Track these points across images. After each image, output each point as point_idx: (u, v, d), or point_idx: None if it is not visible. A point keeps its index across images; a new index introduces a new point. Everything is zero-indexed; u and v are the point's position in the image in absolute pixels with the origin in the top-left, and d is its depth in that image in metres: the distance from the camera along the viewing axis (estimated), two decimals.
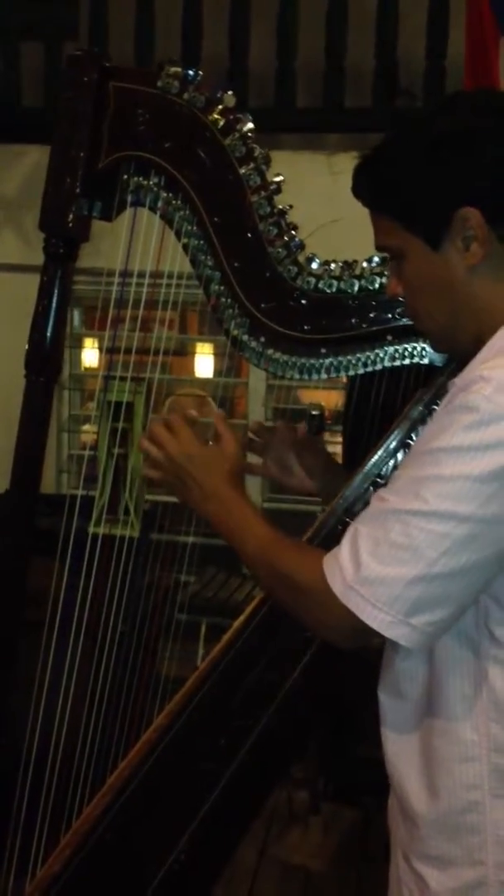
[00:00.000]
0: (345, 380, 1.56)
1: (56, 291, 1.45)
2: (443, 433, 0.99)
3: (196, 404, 3.70)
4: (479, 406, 0.97)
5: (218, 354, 3.92)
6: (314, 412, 1.64)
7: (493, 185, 1.05)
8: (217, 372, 3.98)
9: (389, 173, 1.10)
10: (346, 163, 1.13)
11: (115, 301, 1.52)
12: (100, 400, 2.01)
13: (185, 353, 4.00)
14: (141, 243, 1.47)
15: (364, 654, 1.64)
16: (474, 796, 1.07)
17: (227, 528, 1.20)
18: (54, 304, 1.45)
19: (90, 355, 3.80)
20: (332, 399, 3.29)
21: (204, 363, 4.07)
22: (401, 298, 1.16)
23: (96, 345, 3.71)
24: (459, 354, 1.08)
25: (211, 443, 1.27)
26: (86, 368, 3.81)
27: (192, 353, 4.06)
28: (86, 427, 3.73)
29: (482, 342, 1.07)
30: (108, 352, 1.63)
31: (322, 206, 2.39)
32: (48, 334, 1.46)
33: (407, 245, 1.10)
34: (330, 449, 1.69)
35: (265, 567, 1.15)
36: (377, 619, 1.01)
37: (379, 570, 1.00)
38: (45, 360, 1.48)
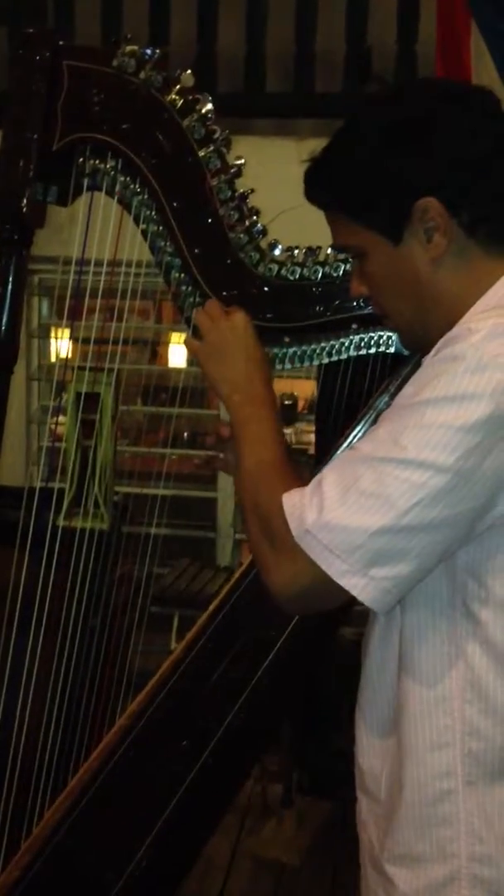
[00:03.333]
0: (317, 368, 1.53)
1: (11, 279, 1.41)
2: (427, 385, 0.95)
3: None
4: (467, 354, 0.94)
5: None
6: (287, 402, 1.60)
7: (448, 173, 1.02)
8: (191, 362, 3.93)
9: (341, 172, 1.07)
10: (317, 148, 1.10)
11: (72, 290, 1.47)
12: (64, 391, 1.97)
13: (157, 342, 3.95)
14: (101, 230, 1.43)
15: (338, 646, 1.63)
16: (446, 785, 1.04)
17: (243, 429, 1.13)
18: (9, 293, 1.41)
19: (59, 346, 3.74)
20: (305, 388, 3.26)
21: (179, 353, 4.02)
22: (365, 298, 1.13)
23: (64, 335, 3.66)
24: (429, 349, 1.05)
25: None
26: (55, 359, 3.76)
27: (167, 343, 4.02)
28: (52, 418, 3.67)
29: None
30: (77, 342, 1.59)
31: (291, 192, 2.31)
32: (3, 323, 1.41)
33: (367, 243, 1.07)
34: (304, 438, 1.66)
35: (251, 490, 1.08)
36: (333, 566, 0.96)
37: (344, 516, 0.96)
38: (2, 349, 1.43)
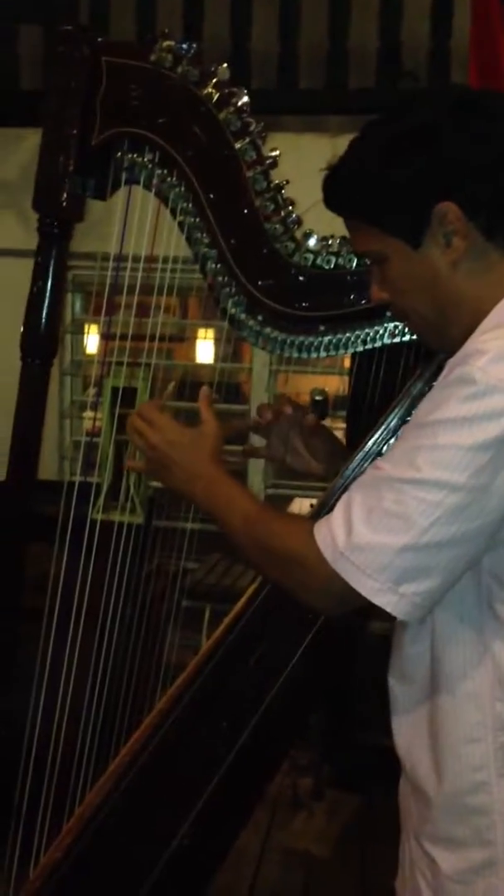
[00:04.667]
0: (347, 363, 1.54)
1: (51, 272, 1.43)
2: (439, 406, 0.99)
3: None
4: (475, 377, 0.97)
5: (220, 340, 3.90)
6: (318, 397, 1.62)
7: (464, 177, 1.04)
8: (219, 357, 3.96)
9: (359, 180, 1.09)
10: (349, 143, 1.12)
11: (110, 286, 1.49)
12: (101, 386, 2.00)
13: (186, 338, 3.98)
14: (138, 226, 1.45)
15: (368, 638, 1.64)
16: (481, 777, 1.07)
17: (214, 505, 1.19)
18: (49, 285, 1.43)
19: (92, 341, 3.78)
20: (335, 384, 3.27)
21: (206, 349, 4.04)
22: (386, 302, 1.15)
23: (97, 331, 3.70)
24: (453, 349, 1.07)
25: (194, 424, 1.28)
26: (87, 354, 3.80)
27: (194, 339, 4.04)
28: (86, 413, 3.71)
29: (473, 333, 1.06)
30: (104, 337, 1.61)
31: None
32: (43, 316, 1.44)
33: (387, 248, 1.09)
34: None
35: (252, 539, 1.15)
36: (367, 586, 1.01)
37: (370, 537, 1.00)
38: (41, 342, 1.46)
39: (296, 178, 1.40)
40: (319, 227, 1.41)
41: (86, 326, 3.79)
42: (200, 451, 1.24)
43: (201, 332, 3.90)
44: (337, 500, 1.07)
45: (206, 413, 1.28)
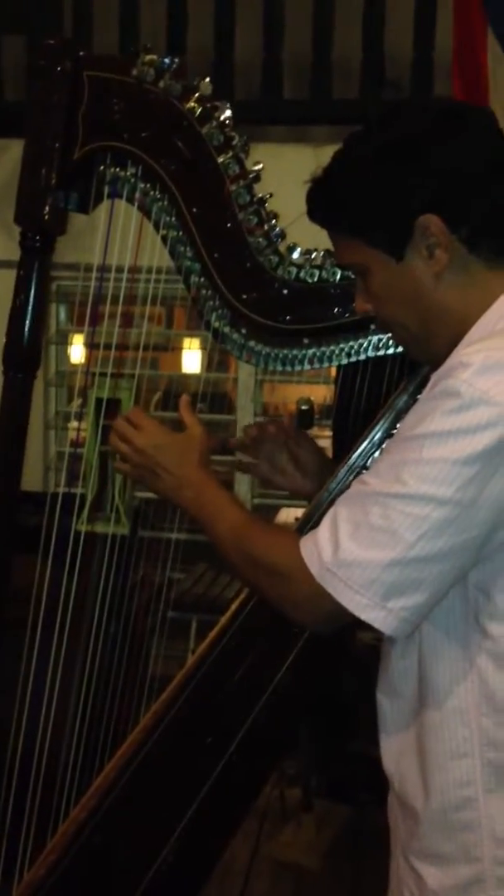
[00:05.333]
0: (333, 372, 1.55)
1: (33, 286, 1.43)
2: (425, 419, 0.99)
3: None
4: (460, 390, 0.97)
5: (206, 349, 3.90)
6: (304, 407, 1.62)
7: (446, 189, 1.04)
8: (205, 367, 3.96)
9: (342, 192, 1.09)
10: (333, 154, 1.12)
11: (93, 296, 1.49)
12: (86, 397, 1.99)
13: (171, 348, 3.97)
14: (121, 237, 1.45)
15: (356, 649, 1.63)
16: (468, 793, 1.07)
17: (202, 512, 1.19)
18: (32, 299, 1.43)
19: (76, 352, 3.77)
20: (321, 393, 3.27)
21: (192, 358, 4.04)
22: (370, 314, 1.15)
23: (82, 341, 3.69)
24: (437, 361, 1.07)
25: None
26: (72, 365, 3.79)
27: (180, 349, 4.04)
28: (72, 424, 3.70)
29: (457, 345, 1.06)
30: (89, 347, 1.61)
31: None
32: (26, 329, 1.44)
33: (370, 260, 1.09)
34: (320, 443, 1.68)
35: (239, 550, 1.14)
36: (354, 601, 1.00)
37: (357, 552, 1.00)
38: (24, 354, 1.46)
39: (280, 187, 1.40)
40: (303, 238, 1.42)
41: (70, 337, 3.78)
42: (189, 456, 1.23)
43: (187, 341, 3.90)
44: (322, 513, 1.07)
45: (190, 419, 1.28)
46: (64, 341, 3.80)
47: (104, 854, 1.53)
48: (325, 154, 1.12)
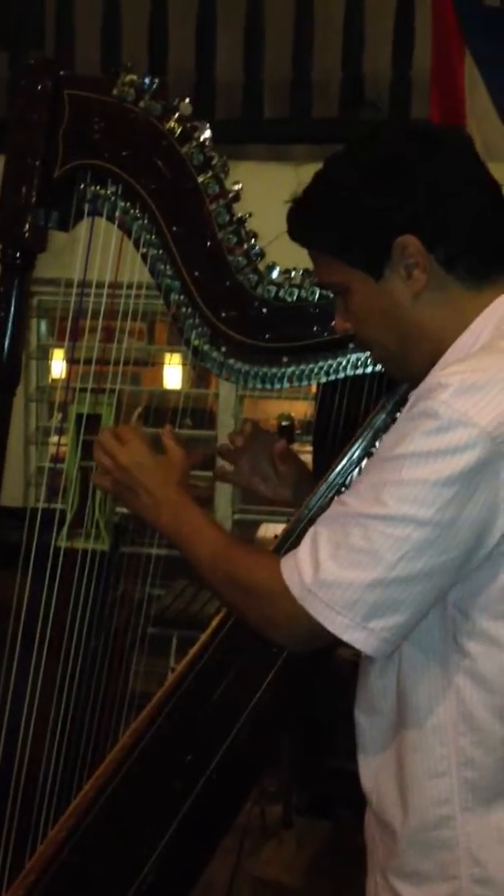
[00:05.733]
0: (314, 389, 1.56)
1: (13, 303, 1.43)
2: (404, 440, 1.00)
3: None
4: (438, 411, 0.98)
5: (187, 365, 3.91)
6: (284, 422, 1.63)
7: (425, 210, 1.05)
8: (186, 383, 3.96)
9: (322, 212, 1.10)
10: (313, 173, 1.14)
11: (74, 312, 1.50)
12: (66, 412, 1.99)
13: (152, 363, 3.98)
14: (102, 253, 1.45)
15: (336, 666, 1.64)
16: (445, 811, 1.07)
17: (180, 534, 1.19)
18: (11, 316, 1.43)
19: (57, 367, 3.77)
20: (301, 409, 3.29)
21: (173, 374, 4.05)
22: (350, 333, 1.16)
23: (63, 356, 3.69)
24: (415, 380, 1.09)
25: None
26: (53, 380, 3.78)
27: (161, 364, 4.04)
28: (51, 439, 3.69)
29: (435, 364, 1.07)
30: (70, 363, 1.61)
31: None
32: (6, 346, 1.44)
33: (349, 279, 1.10)
34: (302, 458, 1.69)
35: (218, 571, 1.14)
36: (335, 622, 1.01)
37: (338, 573, 1.00)
38: (4, 371, 1.46)
39: (260, 206, 1.41)
40: (282, 257, 1.43)
41: (51, 352, 3.78)
42: (168, 476, 1.23)
43: (168, 356, 3.90)
44: (302, 531, 1.07)
45: (171, 443, 1.28)
46: (45, 356, 3.80)
47: (84, 874, 1.52)
48: (306, 173, 1.14)
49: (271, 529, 3.00)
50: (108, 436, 1.26)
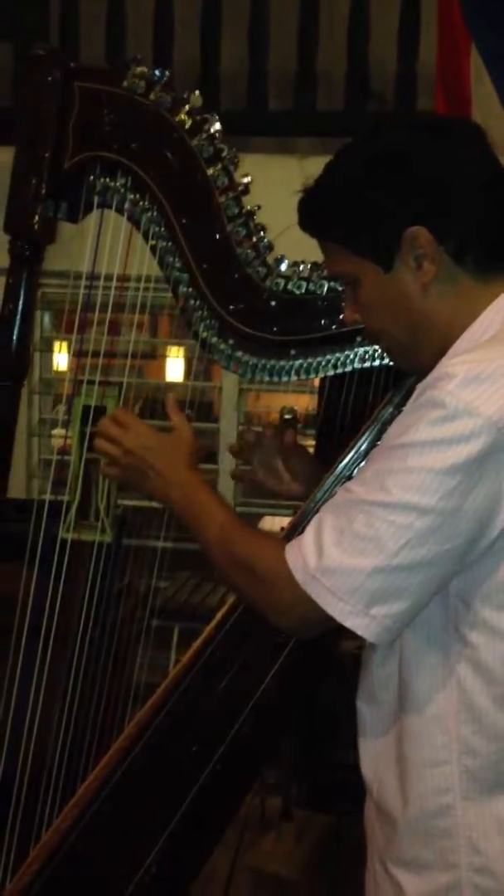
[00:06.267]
0: (317, 382, 1.56)
1: (22, 294, 1.43)
2: (409, 429, 1.00)
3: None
4: (445, 401, 0.98)
5: (189, 358, 3.91)
6: (287, 416, 1.63)
7: (435, 202, 1.06)
8: (189, 375, 3.96)
9: (332, 202, 1.10)
10: (318, 166, 1.14)
11: (82, 304, 1.50)
12: (72, 404, 1.99)
13: (155, 356, 3.98)
14: (110, 245, 1.45)
15: (339, 658, 1.64)
16: (446, 800, 1.08)
17: (190, 512, 1.20)
18: (20, 308, 1.43)
19: (61, 359, 3.77)
20: (304, 402, 3.29)
21: (175, 366, 4.05)
22: (359, 324, 1.17)
23: (66, 348, 3.68)
24: (423, 372, 1.09)
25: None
26: (56, 372, 3.78)
27: (164, 357, 4.04)
28: (56, 431, 3.69)
29: (443, 355, 1.08)
30: (76, 355, 1.61)
31: (293, 209, 2.38)
32: (14, 338, 1.44)
33: (359, 270, 1.11)
34: None
35: (225, 552, 1.15)
36: (337, 608, 1.02)
37: (341, 559, 1.01)
38: (12, 363, 1.46)
39: (265, 198, 1.41)
40: (289, 249, 1.43)
41: (55, 344, 3.77)
42: (177, 456, 1.24)
43: (172, 349, 3.90)
44: (308, 523, 1.08)
45: (177, 419, 1.28)
46: (48, 348, 3.79)
47: (88, 863, 1.53)
48: (310, 165, 1.14)
49: (276, 522, 3.00)
50: (109, 423, 1.26)
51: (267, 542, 1.15)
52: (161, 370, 4.12)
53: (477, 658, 1.05)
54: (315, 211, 1.12)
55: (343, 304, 1.22)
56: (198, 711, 1.51)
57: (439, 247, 1.06)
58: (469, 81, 3.17)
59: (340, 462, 1.40)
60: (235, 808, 1.63)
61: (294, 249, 1.44)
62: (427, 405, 1.00)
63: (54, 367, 3.80)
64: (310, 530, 1.05)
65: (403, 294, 1.08)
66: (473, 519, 0.99)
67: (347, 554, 1.01)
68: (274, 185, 1.38)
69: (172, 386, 4.00)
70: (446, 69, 3.20)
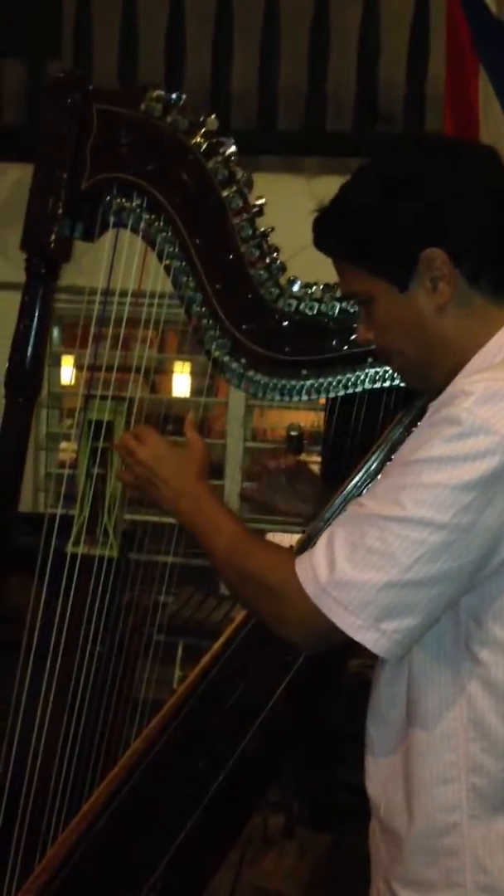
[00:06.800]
0: (323, 401, 1.57)
1: (37, 311, 1.45)
2: (424, 444, 1.01)
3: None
4: (461, 418, 0.99)
5: (197, 374, 3.92)
6: (293, 433, 1.64)
7: (452, 224, 1.07)
8: (196, 391, 3.98)
9: (349, 222, 1.11)
10: (327, 186, 1.15)
11: (95, 319, 1.51)
12: (80, 419, 2.00)
13: (162, 371, 3.99)
14: (123, 262, 1.47)
15: (344, 676, 1.65)
16: (453, 818, 1.07)
17: (199, 523, 1.21)
18: (35, 324, 1.45)
19: (68, 373, 3.78)
20: (310, 419, 3.30)
21: (183, 382, 4.06)
22: (371, 344, 1.17)
23: (75, 362, 3.71)
24: (434, 392, 1.10)
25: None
26: (64, 386, 3.80)
27: (171, 373, 4.06)
28: (64, 445, 3.70)
29: (455, 376, 1.09)
30: (88, 369, 1.63)
31: (302, 229, 2.40)
32: (28, 354, 1.46)
33: (374, 290, 1.11)
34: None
35: (234, 564, 1.16)
36: (348, 622, 1.02)
37: (353, 573, 1.01)
38: (26, 380, 1.47)
39: (273, 217, 1.43)
40: (302, 271, 1.44)
41: (63, 358, 3.79)
42: (187, 468, 1.25)
43: (178, 365, 3.92)
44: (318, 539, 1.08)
45: (192, 435, 1.30)
46: (57, 363, 3.82)
47: (92, 878, 1.53)
48: (319, 185, 1.15)
49: (279, 539, 3.01)
50: (127, 436, 1.30)
51: (277, 555, 1.15)
52: (168, 385, 4.14)
53: (487, 676, 1.05)
54: (331, 231, 1.13)
55: (356, 323, 1.22)
56: (205, 728, 1.51)
57: (455, 269, 1.07)
58: (477, 103, 3.19)
59: (350, 482, 1.41)
60: (241, 825, 1.63)
61: (306, 270, 1.45)
62: (443, 422, 1.00)
63: (62, 381, 3.82)
64: (321, 544, 1.05)
65: (418, 314, 1.09)
66: (487, 536, 0.99)
67: (359, 568, 1.01)
68: (282, 205, 1.40)
69: (178, 402, 4.01)
70: (455, 90, 3.22)
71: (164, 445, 1.27)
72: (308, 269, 1.48)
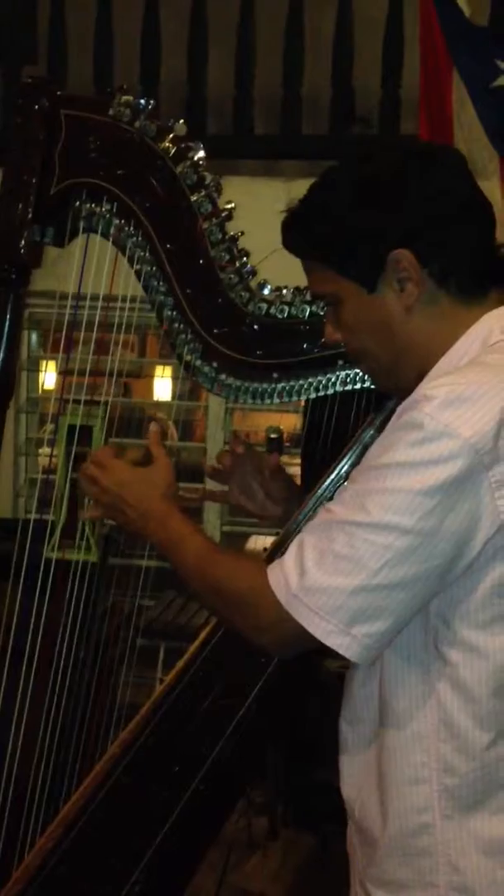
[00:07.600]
0: (303, 402, 1.57)
1: (8, 318, 1.45)
2: (389, 450, 1.02)
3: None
4: (424, 423, 1.00)
5: (177, 377, 3.93)
6: (273, 435, 1.65)
7: (420, 226, 1.07)
8: (176, 395, 3.98)
9: (318, 223, 1.12)
10: (303, 189, 1.16)
11: (68, 323, 1.52)
12: (55, 425, 2.00)
13: (143, 375, 4.00)
14: (95, 267, 1.47)
15: (322, 678, 1.65)
16: (425, 819, 1.08)
17: (167, 542, 1.21)
18: (6, 330, 1.45)
19: (48, 378, 3.78)
20: (290, 421, 3.31)
21: (163, 386, 4.07)
22: (341, 345, 1.18)
23: (54, 367, 3.70)
24: (404, 393, 1.11)
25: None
26: (43, 391, 3.80)
27: (152, 376, 4.06)
28: (42, 450, 3.70)
29: (424, 377, 1.09)
30: (62, 374, 1.62)
31: (278, 232, 2.41)
32: (0, 360, 1.45)
33: (342, 291, 1.12)
34: (289, 471, 1.70)
35: (203, 577, 1.16)
36: (319, 627, 1.02)
37: (322, 579, 1.02)
38: None
39: (249, 221, 1.44)
40: (274, 274, 1.45)
41: (42, 363, 3.79)
42: (151, 489, 1.26)
43: (158, 369, 3.92)
44: (290, 544, 1.09)
45: (157, 450, 1.30)
46: (35, 368, 3.81)
47: (70, 884, 1.52)
48: (296, 189, 1.16)
49: (261, 542, 3.01)
50: (88, 465, 1.29)
51: (246, 563, 1.16)
52: (148, 389, 4.14)
53: (456, 676, 1.06)
54: (300, 231, 1.14)
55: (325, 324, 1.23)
56: (181, 732, 1.51)
57: (423, 270, 1.08)
58: (452, 105, 3.22)
59: (322, 484, 1.42)
60: (218, 827, 1.64)
61: (277, 274, 1.46)
62: (406, 426, 1.01)
63: (41, 386, 3.81)
64: (291, 550, 1.06)
65: (386, 315, 1.10)
66: (452, 539, 1.00)
67: (329, 573, 1.02)
68: (259, 208, 1.40)
69: (159, 405, 4.01)
70: (429, 94, 3.24)
71: (126, 470, 1.27)
72: (287, 272, 1.49)
